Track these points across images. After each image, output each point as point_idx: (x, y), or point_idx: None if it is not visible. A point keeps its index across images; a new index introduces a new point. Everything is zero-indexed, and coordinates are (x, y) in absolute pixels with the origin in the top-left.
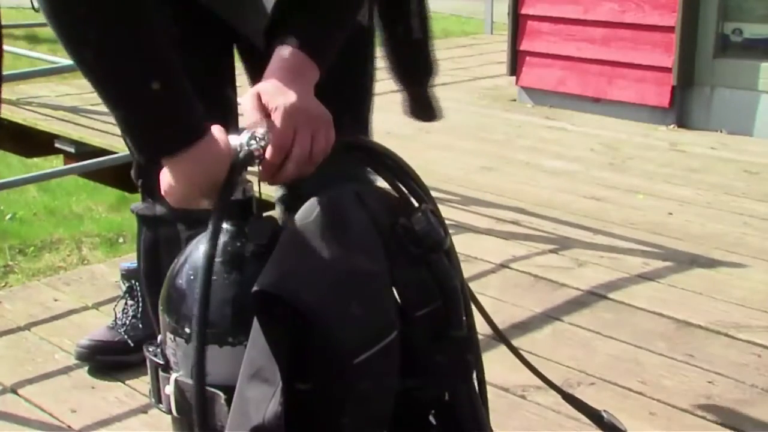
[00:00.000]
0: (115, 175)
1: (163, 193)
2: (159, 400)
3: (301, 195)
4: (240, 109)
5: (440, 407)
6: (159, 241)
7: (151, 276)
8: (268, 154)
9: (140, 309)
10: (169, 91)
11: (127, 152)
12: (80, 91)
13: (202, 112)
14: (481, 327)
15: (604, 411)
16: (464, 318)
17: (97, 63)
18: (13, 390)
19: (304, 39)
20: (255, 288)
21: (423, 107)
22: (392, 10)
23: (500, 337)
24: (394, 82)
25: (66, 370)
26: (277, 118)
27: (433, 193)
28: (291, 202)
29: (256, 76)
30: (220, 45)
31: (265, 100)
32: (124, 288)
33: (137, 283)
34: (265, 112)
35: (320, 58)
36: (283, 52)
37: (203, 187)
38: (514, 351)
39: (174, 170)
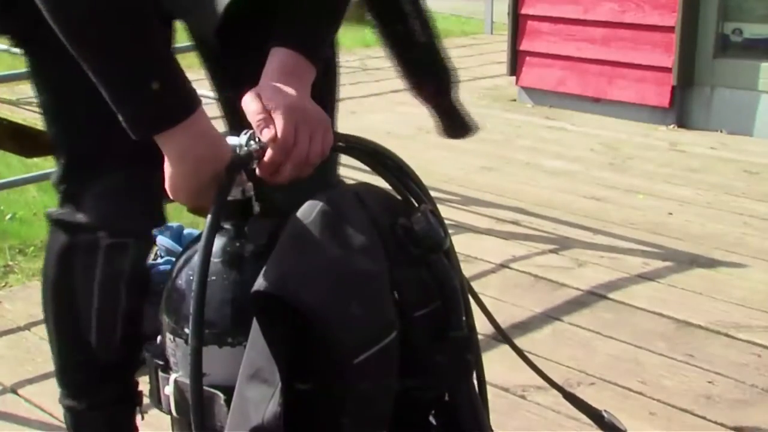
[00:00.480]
0: None
1: (168, 191)
2: (159, 401)
3: (274, 206)
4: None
5: (440, 407)
6: (76, 246)
7: (59, 283)
8: (268, 153)
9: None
10: (157, 68)
11: None
12: None
13: (192, 88)
14: (482, 327)
15: (605, 411)
16: (464, 318)
17: (83, 37)
18: (13, 390)
19: (299, 39)
20: (254, 288)
21: (453, 122)
22: (386, 14)
23: (502, 335)
24: (416, 98)
25: None
26: (278, 118)
27: (433, 193)
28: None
29: (218, 78)
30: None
31: (265, 100)
32: None
33: None
34: (266, 113)
35: (315, 56)
36: (279, 53)
37: (201, 169)
38: (516, 349)
39: (168, 148)
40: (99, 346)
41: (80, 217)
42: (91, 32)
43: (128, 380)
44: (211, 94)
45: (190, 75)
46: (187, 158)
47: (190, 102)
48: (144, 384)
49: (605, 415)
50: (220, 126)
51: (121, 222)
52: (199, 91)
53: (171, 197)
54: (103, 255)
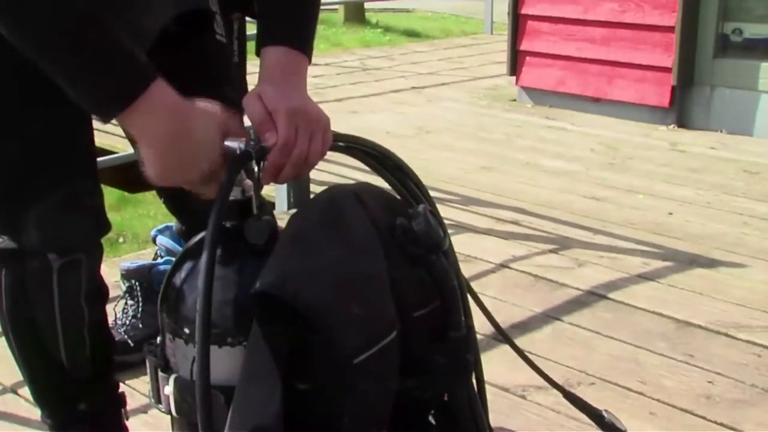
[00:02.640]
0: (115, 175)
1: (153, 179)
2: (159, 400)
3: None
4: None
5: (439, 407)
6: (25, 275)
7: (17, 314)
8: (272, 154)
9: (140, 309)
10: (100, 48)
11: (128, 152)
12: None
13: (146, 62)
14: (481, 327)
15: (605, 410)
16: (463, 318)
17: (25, 29)
18: (13, 390)
19: (291, 36)
20: (255, 288)
21: None
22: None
23: (502, 335)
24: None
25: None
26: (279, 121)
27: (433, 193)
28: (191, 232)
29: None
30: None
31: (267, 101)
32: (124, 288)
33: (137, 283)
34: (267, 116)
35: (308, 50)
36: (274, 52)
37: (174, 144)
38: (516, 349)
39: (134, 129)
40: (71, 364)
41: (25, 244)
42: (51, 30)
43: (108, 385)
44: None
45: None
46: (154, 135)
47: (143, 76)
48: (144, 383)
49: (606, 415)
50: None
51: (69, 240)
52: None
53: (157, 183)
54: (57, 278)
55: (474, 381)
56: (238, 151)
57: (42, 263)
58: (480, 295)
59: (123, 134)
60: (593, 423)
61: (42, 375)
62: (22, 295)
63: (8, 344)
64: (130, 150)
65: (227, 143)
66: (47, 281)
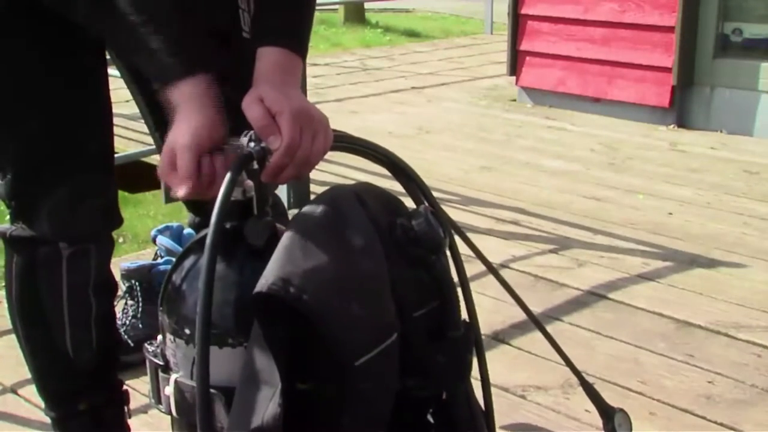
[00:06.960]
0: (115, 175)
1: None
2: (159, 401)
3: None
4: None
5: (438, 406)
6: (36, 261)
7: (26, 301)
8: (276, 155)
9: (140, 309)
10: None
11: (127, 152)
12: None
13: (198, 54)
14: (481, 326)
15: (619, 409)
16: (462, 318)
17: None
18: (13, 390)
19: (287, 36)
20: (256, 290)
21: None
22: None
23: (536, 324)
24: None
25: None
26: (283, 124)
27: (433, 193)
28: (201, 226)
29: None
30: None
31: (269, 104)
32: (124, 288)
33: (137, 283)
34: (270, 118)
35: (303, 50)
36: (271, 53)
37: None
38: (549, 338)
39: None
40: (76, 355)
41: (37, 231)
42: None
43: (112, 382)
44: None
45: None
46: (177, 116)
47: (188, 65)
48: (144, 383)
49: (617, 415)
50: None
51: (79, 229)
52: None
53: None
54: (66, 265)
55: (481, 381)
56: (239, 150)
57: (52, 250)
58: (480, 295)
59: (122, 134)
60: (599, 419)
61: (47, 365)
62: (31, 282)
63: (15, 333)
64: (131, 150)
65: (231, 140)
66: (56, 268)
